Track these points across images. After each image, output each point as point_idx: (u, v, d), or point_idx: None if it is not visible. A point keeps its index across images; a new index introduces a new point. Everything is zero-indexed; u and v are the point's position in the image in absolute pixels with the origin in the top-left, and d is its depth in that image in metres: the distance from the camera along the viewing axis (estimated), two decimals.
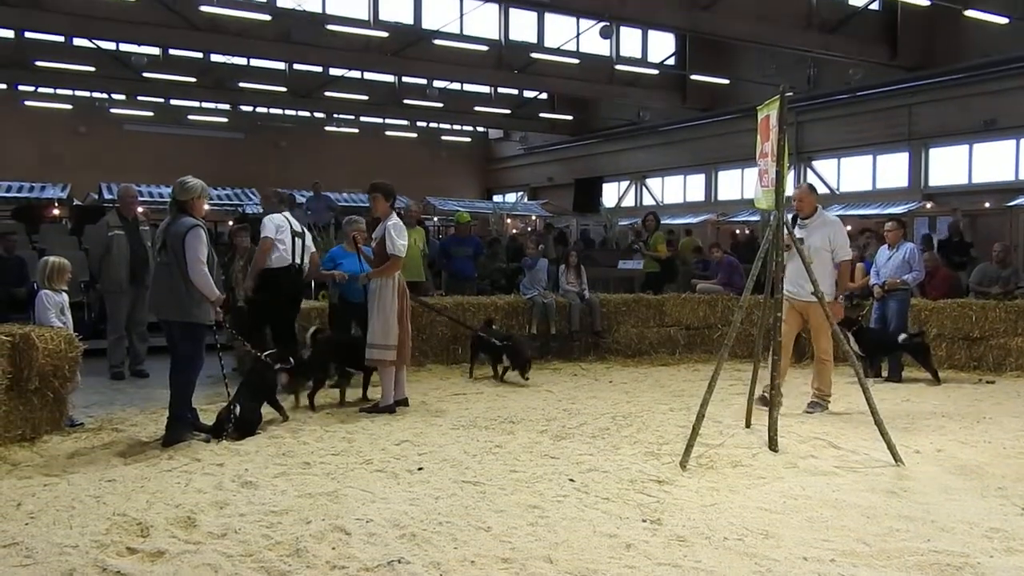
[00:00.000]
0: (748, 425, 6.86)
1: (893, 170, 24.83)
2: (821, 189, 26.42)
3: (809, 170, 27.05)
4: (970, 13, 19.85)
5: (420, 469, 5.55)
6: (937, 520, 4.59)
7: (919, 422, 7.25)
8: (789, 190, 6.59)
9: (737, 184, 29.41)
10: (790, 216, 7.33)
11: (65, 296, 7.14)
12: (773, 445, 6.08)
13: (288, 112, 35.06)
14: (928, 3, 20.58)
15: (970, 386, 9.29)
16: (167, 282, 6.24)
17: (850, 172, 26.32)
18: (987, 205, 21.36)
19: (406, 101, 31.56)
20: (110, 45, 25.61)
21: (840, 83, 25.24)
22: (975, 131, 22.14)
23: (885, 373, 9.66)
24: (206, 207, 6.59)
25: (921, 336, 9.71)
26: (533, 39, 27.07)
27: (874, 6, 24.33)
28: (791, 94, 6.31)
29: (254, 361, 7.11)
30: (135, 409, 7.62)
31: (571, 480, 5.30)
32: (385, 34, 23.71)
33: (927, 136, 23.56)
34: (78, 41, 25.23)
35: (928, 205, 22.89)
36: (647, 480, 5.31)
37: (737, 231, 26.88)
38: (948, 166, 23.44)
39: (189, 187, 6.35)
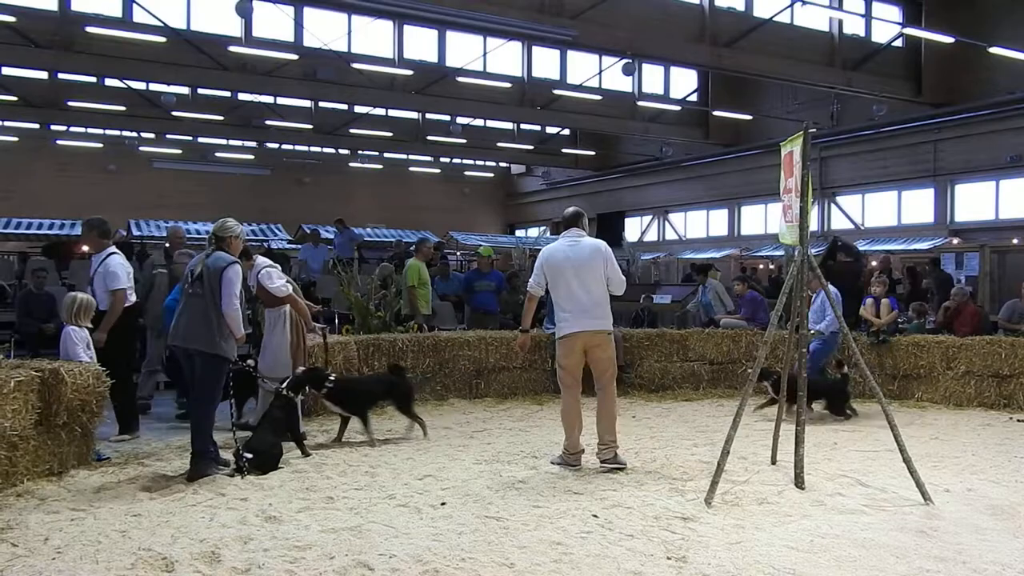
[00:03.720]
0: (774, 462, 6.79)
1: (918, 206, 24.75)
2: (845, 224, 26.45)
3: (833, 205, 26.99)
4: (995, 50, 19.89)
5: (443, 504, 5.53)
6: (968, 561, 4.50)
7: (948, 460, 7.14)
8: (813, 226, 6.54)
9: (761, 219, 29.39)
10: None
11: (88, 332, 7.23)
12: (799, 482, 6.00)
13: (313, 149, 35.51)
14: (952, 40, 20.61)
15: (1000, 424, 9.13)
16: (200, 313, 6.35)
17: (875, 207, 26.26)
18: (1015, 241, 21.16)
19: (430, 137, 31.90)
20: (140, 85, 26.11)
21: (864, 119, 25.27)
22: (1001, 167, 22.04)
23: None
24: (240, 247, 6.83)
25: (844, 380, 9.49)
26: (556, 76, 27.35)
27: (897, 43, 24.39)
28: (815, 130, 6.30)
29: (275, 395, 7.16)
30: (160, 443, 7.66)
31: (595, 516, 5.26)
32: (409, 72, 24.06)
33: (953, 172, 23.48)
34: (109, 81, 25.77)
35: (955, 241, 22.72)
36: (672, 517, 5.26)
37: (760, 265, 26.74)
38: (975, 202, 23.33)
39: (229, 226, 6.68)
